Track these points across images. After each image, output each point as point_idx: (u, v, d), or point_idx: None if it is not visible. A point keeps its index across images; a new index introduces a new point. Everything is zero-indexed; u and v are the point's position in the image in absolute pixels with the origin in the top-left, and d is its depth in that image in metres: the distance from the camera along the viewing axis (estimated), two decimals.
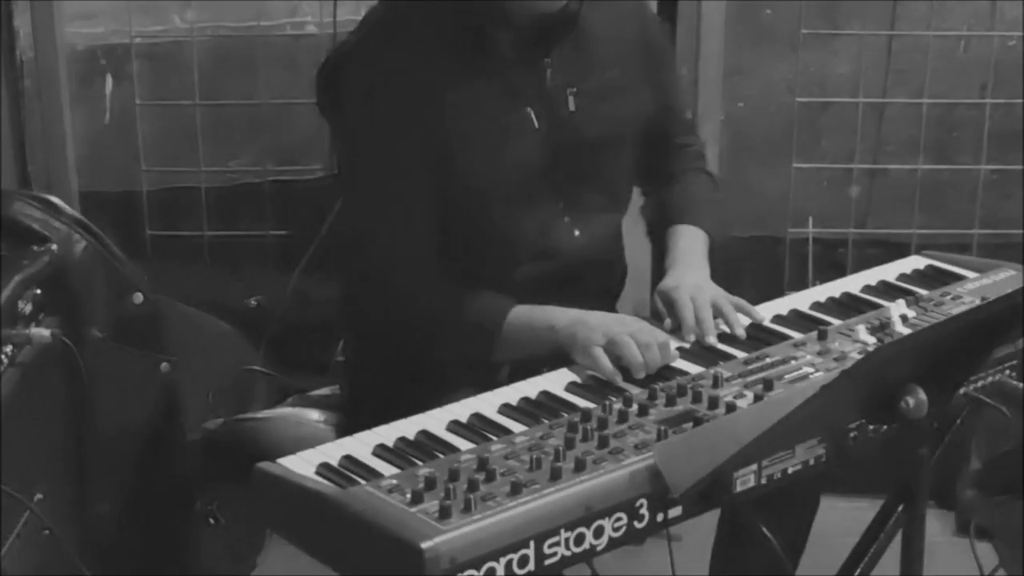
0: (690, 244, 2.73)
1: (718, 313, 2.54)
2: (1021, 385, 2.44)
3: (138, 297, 2.86)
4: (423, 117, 2.53)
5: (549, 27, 2.59)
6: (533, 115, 2.60)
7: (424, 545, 1.87)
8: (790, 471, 2.16)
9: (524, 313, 2.53)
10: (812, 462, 2.19)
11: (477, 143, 2.56)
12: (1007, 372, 2.47)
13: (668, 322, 2.55)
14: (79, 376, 2.71)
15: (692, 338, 2.51)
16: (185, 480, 3.09)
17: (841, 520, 2.88)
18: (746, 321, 2.56)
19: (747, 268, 4.34)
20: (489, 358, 2.53)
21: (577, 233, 2.68)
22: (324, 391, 2.96)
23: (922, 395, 2.05)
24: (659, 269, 2.77)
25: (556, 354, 2.47)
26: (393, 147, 2.55)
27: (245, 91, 4.17)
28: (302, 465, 2.13)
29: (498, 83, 2.58)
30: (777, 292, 4.07)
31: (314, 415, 2.83)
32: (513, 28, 2.56)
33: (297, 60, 4.13)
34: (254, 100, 4.15)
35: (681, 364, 2.44)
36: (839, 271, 4.05)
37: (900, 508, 2.48)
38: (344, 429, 2.73)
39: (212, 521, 3.21)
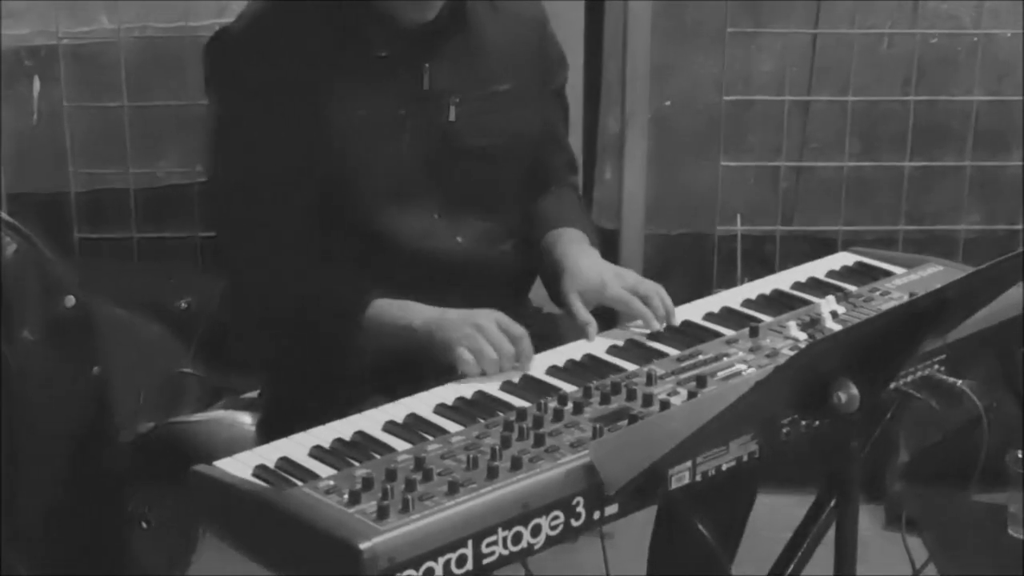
0: (576, 238, 2.74)
1: (648, 303, 2.56)
2: (949, 379, 2.47)
3: (70, 300, 2.84)
4: (295, 105, 2.54)
5: (430, 32, 2.60)
6: (406, 117, 2.60)
7: (362, 545, 1.87)
8: (724, 467, 2.18)
9: (385, 307, 2.51)
10: (746, 458, 2.21)
11: (347, 138, 2.57)
12: (936, 366, 2.49)
13: (594, 329, 2.56)
14: (8, 378, 2.69)
15: (662, 327, 2.54)
16: (117, 482, 3.08)
17: (774, 515, 2.91)
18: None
19: (676, 265, 4.37)
20: (351, 348, 2.51)
21: (460, 240, 2.67)
22: (255, 394, 2.95)
23: (854, 389, 2.08)
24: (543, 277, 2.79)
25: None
26: (263, 131, 2.56)
27: (173, 91, 4.15)
28: (238, 467, 2.12)
29: (373, 82, 2.58)
30: (706, 289, 4.11)
31: (246, 418, 2.83)
32: (390, 30, 2.58)
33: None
34: (182, 101, 4.12)
35: (615, 361, 2.45)
36: (767, 267, 4.08)
37: (832, 502, 2.53)
38: (264, 428, 2.74)
39: (144, 524, 3.20)
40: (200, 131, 4.07)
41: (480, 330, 2.42)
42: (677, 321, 2.58)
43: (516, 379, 2.40)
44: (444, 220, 2.66)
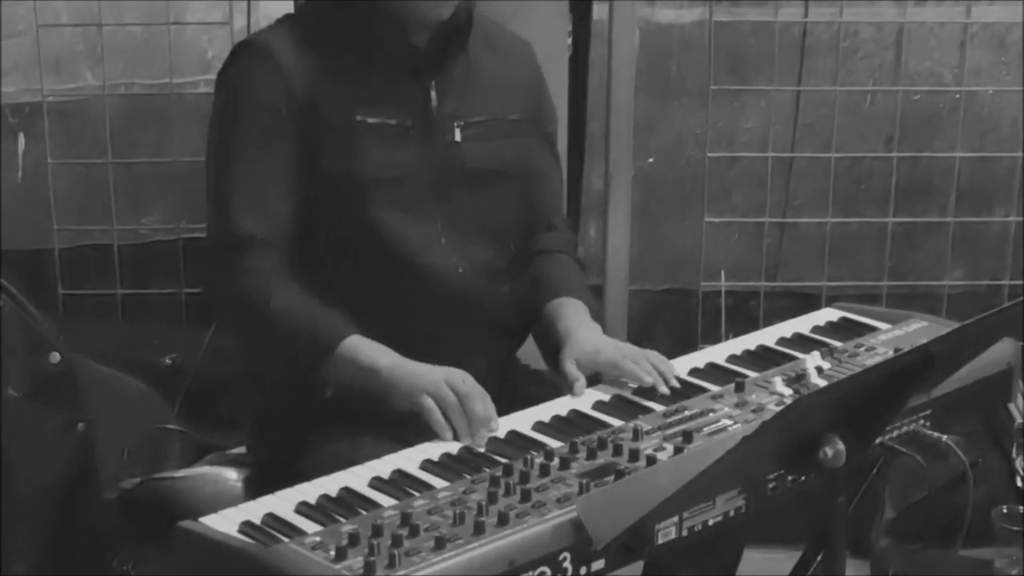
0: (580, 310, 2.75)
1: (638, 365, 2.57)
2: (935, 434, 2.48)
3: (54, 356, 2.85)
4: (296, 108, 2.58)
5: (437, 48, 2.65)
6: (412, 130, 2.64)
7: None
8: (711, 522, 2.18)
9: (356, 345, 2.51)
10: (732, 513, 2.20)
11: (357, 143, 2.60)
12: (921, 422, 2.49)
13: (581, 383, 2.57)
14: None
15: (665, 389, 2.54)
16: (101, 539, 3.07)
17: (759, 572, 2.90)
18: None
19: (660, 321, 4.37)
20: (313, 375, 2.52)
21: (461, 270, 2.68)
22: (240, 450, 2.95)
23: (840, 445, 2.08)
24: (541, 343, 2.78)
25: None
26: (261, 123, 2.59)
27: (158, 148, 4.16)
28: (224, 523, 2.12)
29: (382, 89, 2.63)
30: (691, 344, 4.11)
31: (231, 474, 2.81)
32: (399, 42, 2.63)
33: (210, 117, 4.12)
34: (167, 157, 4.13)
35: (601, 416, 2.45)
36: (752, 323, 4.09)
37: (819, 557, 2.52)
38: (252, 484, 2.73)
39: None
40: (184, 188, 4.15)
41: (453, 387, 2.42)
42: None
43: (502, 435, 2.40)
44: (448, 245, 2.67)
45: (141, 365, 3.82)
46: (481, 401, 2.42)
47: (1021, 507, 3.52)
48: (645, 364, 2.57)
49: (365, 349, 2.51)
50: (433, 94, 2.65)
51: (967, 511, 2.61)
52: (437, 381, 2.44)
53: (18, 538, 2.88)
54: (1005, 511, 3.54)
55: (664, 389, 2.54)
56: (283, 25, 2.71)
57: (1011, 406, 3.75)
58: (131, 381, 3.54)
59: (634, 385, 2.56)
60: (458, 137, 2.67)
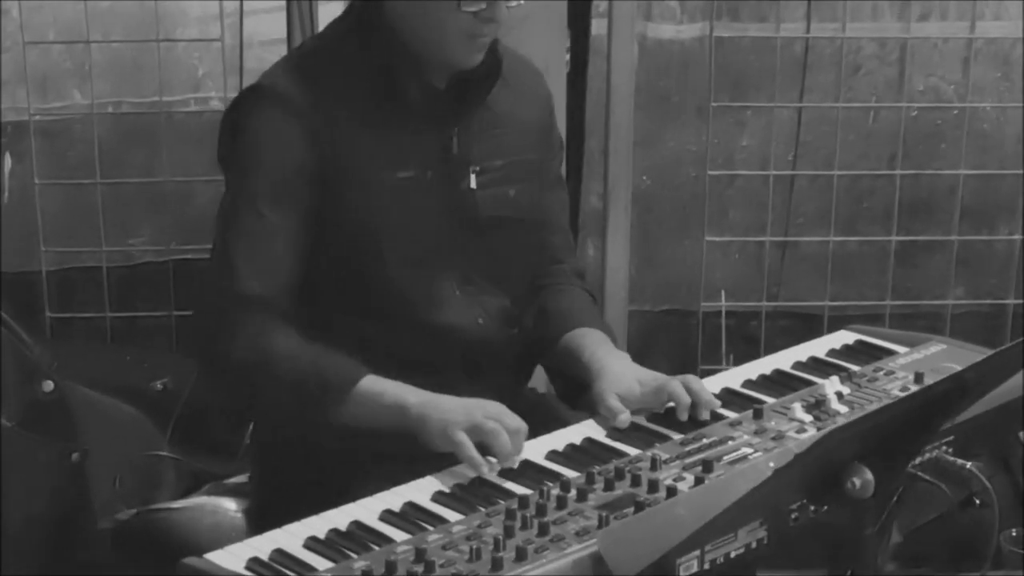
0: (604, 341, 2.68)
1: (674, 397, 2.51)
2: (958, 461, 2.43)
3: (48, 385, 2.81)
4: (314, 158, 2.50)
5: (461, 96, 2.59)
6: (432, 181, 2.57)
7: None
8: (732, 555, 2.10)
9: (377, 383, 2.44)
10: (754, 544, 2.13)
11: (375, 195, 2.53)
12: (944, 448, 2.44)
13: (626, 416, 2.49)
14: None
15: (707, 415, 2.47)
16: (94, 570, 3.00)
17: None
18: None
19: (660, 342, 4.35)
20: (327, 419, 2.43)
21: (480, 321, 2.63)
22: (239, 479, 2.88)
23: (868, 475, 2.04)
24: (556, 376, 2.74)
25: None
26: (274, 176, 2.50)
27: (147, 168, 4.14)
28: (230, 559, 2.05)
29: (403, 139, 2.55)
30: (691, 366, 4.09)
31: (230, 504, 2.75)
32: (426, 90, 2.56)
33: (200, 136, 4.08)
34: (157, 177, 4.11)
35: (616, 445, 2.40)
36: (753, 344, 4.07)
37: None
38: (253, 515, 2.67)
39: None
40: (174, 208, 4.12)
41: (494, 419, 2.34)
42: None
43: (515, 465, 2.33)
44: (464, 296, 2.62)
45: (131, 390, 3.77)
46: (521, 434, 2.36)
47: None
48: (693, 387, 2.50)
49: (388, 386, 2.43)
50: (455, 140, 2.59)
51: (994, 536, 2.55)
52: (475, 413, 2.36)
53: (11, 569, 2.81)
54: (1014, 534, 3.53)
55: (705, 415, 2.47)
56: (298, 67, 2.59)
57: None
58: (122, 407, 3.49)
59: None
60: (473, 184, 2.61)
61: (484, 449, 2.32)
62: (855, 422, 2.03)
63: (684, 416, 2.47)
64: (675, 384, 2.50)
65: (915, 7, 4.22)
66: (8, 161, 4.11)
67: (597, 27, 4.00)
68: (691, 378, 2.52)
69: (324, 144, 2.50)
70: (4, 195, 4.10)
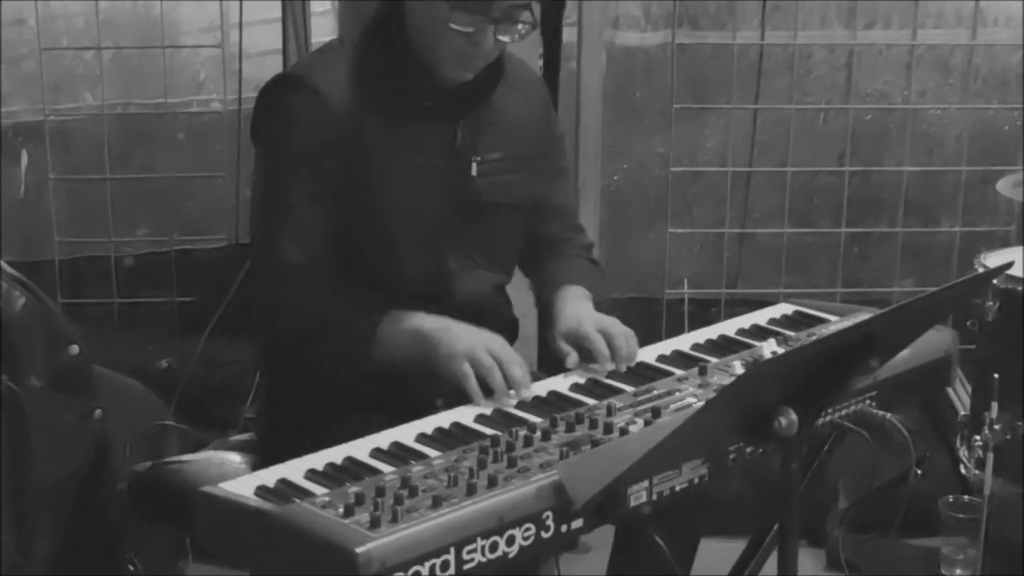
0: (577, 292, 2.95)
1: (612, 342, 2.79)
2: (880, 413, 2.68)
3: (74, 349, 3.00)
4: (338, 142, 2.74)
5: (468, 92, 2.83)
6: (438, 170, 2.82)
7: (358, 550, 2.07)
8: (678, 488, 2.38)
9: (396, 316, 2.71)
10: (697, 480, 2.41)
11: (388, 181, 2.78)
12: (868, 402, 2.70)
13: (573, 357, 2.77)
14: (23, 423, 2.86)
15: (610, 367, 2.75)
16: (112, 526, 3.21)
17: (716, 560, 3.10)
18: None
19: (629, 326, 4.54)
20: (367, 358, 2.70)
21: (462, 284, 2.88)
22: (243, 436, 3.11)
23: (793, 415, 2.28)
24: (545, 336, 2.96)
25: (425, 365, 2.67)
26: (305, 152, 2.75)
27: (153, 165, 4.34)
28: (241, 487, 2.32)
29: (414, 131, 2.80)
30: None
31: (235, 457, 2.95)
32: (436, 86, 2.79)
33: (202, 135, 4.31)
34: (162, 173, 4.32)
35: (578, 397, 2.66)
36: None
37: (774, 529, 2.72)
38: (258, 466, 2.81)
39: (131, 568, 3.32)
40: (177, 203, 4.34)
41: (493, 353, 2.63)
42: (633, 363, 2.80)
43: (488, 412, 2.61)
44: (461, 271, 2.88)
45: (138, 369, 4.00)
46: (520, 367, 2.63)
47: (965, 496, 3.74)
48: (619, 341, 2.77)
49: (408, 315, 2.71)
50: (459, 132, 2.83)
51: (906, 495, 2.78)
52: (477, 347, 2.63)
53: (39, 523, 3.01)
54: (951, 500, 3.75)
55: (621, 368, 2.74)
56: (327, 60, 2.83)
57: (953, 396, 3.99)
58: (129, 381, 3.67)
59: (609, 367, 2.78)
60: (474, 172, 2.85)
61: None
62: (771, 360, 2.30)
63: (604, 367, 2.75)
64: (597, 340, 2.77)
65: (861, 16, 4.42)
66: (25, 158, 4.32)
67: (567, 35, 4.18)
68: (617, 334, 2.79)
69: (346, 130, 2.74)
70: (21, 189, 4.32)
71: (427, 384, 2.71)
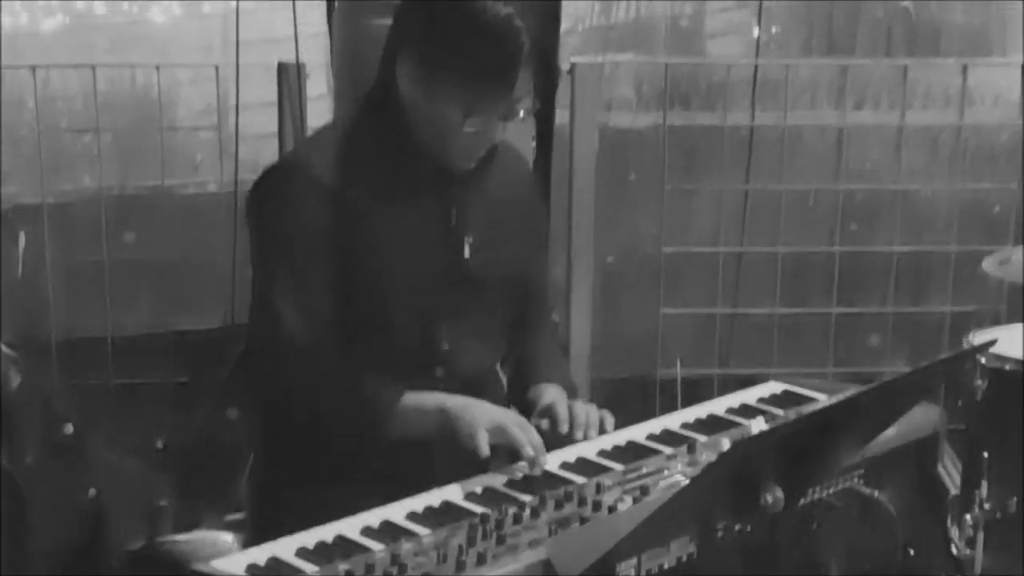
0: (553, 392, 3.01)
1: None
2: (867, 490, 2.72)
3: (68, 427, 3.04)
4: (336, 226, 2.79)
5: (462, 179, 2.89)
6: (434, 253, 2.88)
7: None
8: (666, 566, 2.39)
9: (415, 396, 2.79)
10: (685, 558, 2.42)
11: (379, 254, 2.82)
12: (856, 480, 2.73)
13: (541, 460, 2.76)
14: (19, 501, 2.89)
15: (580, 435, 2.80)
16: None
17: None
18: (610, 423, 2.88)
19: (620, 407, 4.51)
20: (382, 434, 2.77)
21: (456, 360, 2.92)
22: (236, 515, 3.14)
23: (779, 492, 2.31)
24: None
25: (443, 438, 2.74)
26: (311, 250, 2.80)
27: (150, 246, 4.39)
28: (232, 566, 2.34)
29: (409, 211, 2.86)
30: None
31: (228, 536, 3.01)
32: (433, 173, 2.85)
33: (199, 217, 4.36)
34: (158, 255, 4.36)
35: (567, 474, 2.69)
36: None
37: None
38: (249, 545, 2.91)
39: None
40: (173, 284, 4.37)
41: (516, 424, 2.71)
42: (623, 441, 2.83)
43: (479, 490, 2.63)
44: (451, 346, 2.91)
45: (134, 449, 4.04)
46: (540, 442, 2.71)
47: (956, 575, 3.75)
48: (575, 410, 2.86)
49: (427, 396, 2.79)
50: (454, 212, 2.90)
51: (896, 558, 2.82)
52: (501, 419, 2.72)
53: None
54: None
55: (579, 436, 2.82)
56: (322, 146, 2.89)
57: (943, 475, 4.01)
58: (126, 460, 3.75)
59: (599, 447, 2.81)
60: (467, 253, 2.91)
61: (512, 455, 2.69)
62: (759, 434, 2.34)
63: (561, 429, 2.82)
64: (560, 407, 2.86)
65: (850, 95, 4.49)
66: (23, 239, 4.37)
67: (560, 116, 4.21)
68: (581, 405, 2.88)
69: (342, 213, 2.80)
70: (18, 270, 4.36)
71: (432, 458, 2.79)
